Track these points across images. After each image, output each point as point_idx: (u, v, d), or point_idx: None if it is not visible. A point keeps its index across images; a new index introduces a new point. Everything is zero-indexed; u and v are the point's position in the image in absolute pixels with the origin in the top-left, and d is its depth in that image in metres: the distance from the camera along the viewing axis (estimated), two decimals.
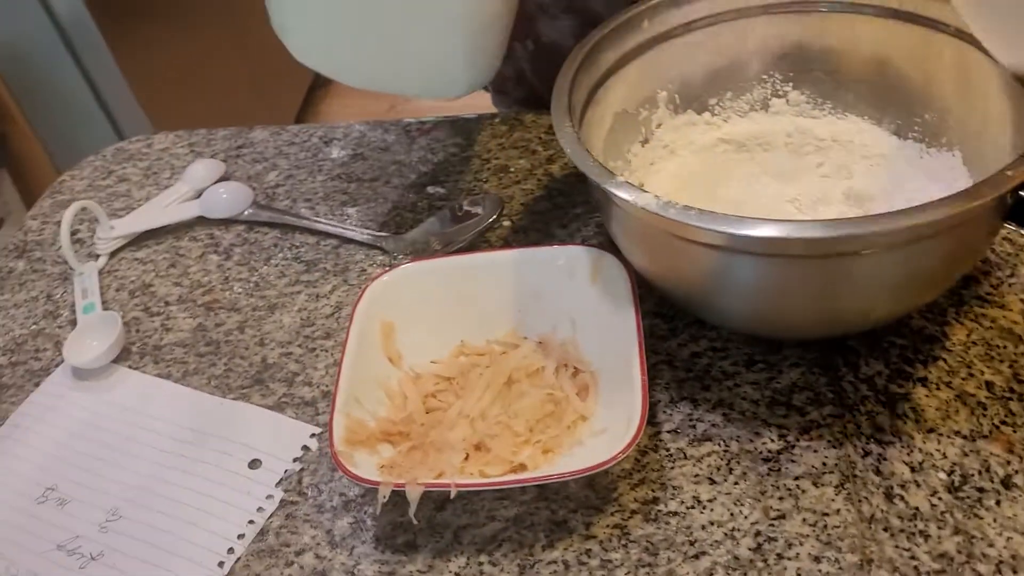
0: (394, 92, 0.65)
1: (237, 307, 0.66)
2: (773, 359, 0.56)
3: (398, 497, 0.49)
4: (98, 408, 0.61)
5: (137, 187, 0.79)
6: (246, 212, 0.73)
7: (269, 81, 2.12)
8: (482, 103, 0.90)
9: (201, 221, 0.74)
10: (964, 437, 0.50)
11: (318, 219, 0.71)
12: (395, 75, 0.63)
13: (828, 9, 0.61)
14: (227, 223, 0.73)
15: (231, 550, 0.51)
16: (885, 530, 0.46)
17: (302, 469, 0.55)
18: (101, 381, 0.62)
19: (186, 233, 0.74)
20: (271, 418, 0.58)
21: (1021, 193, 0.59)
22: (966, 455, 0.49)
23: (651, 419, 0.53)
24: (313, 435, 0.56)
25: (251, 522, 0.52)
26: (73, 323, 0.67)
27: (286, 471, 0.54)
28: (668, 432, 0.53)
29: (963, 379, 0.53)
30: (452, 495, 0.47)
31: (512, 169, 0.74)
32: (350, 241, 0.70)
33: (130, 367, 0.63)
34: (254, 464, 0.55)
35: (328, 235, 0.71)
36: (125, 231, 0.73)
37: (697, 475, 0.50)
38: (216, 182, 0.76)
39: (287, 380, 0.60)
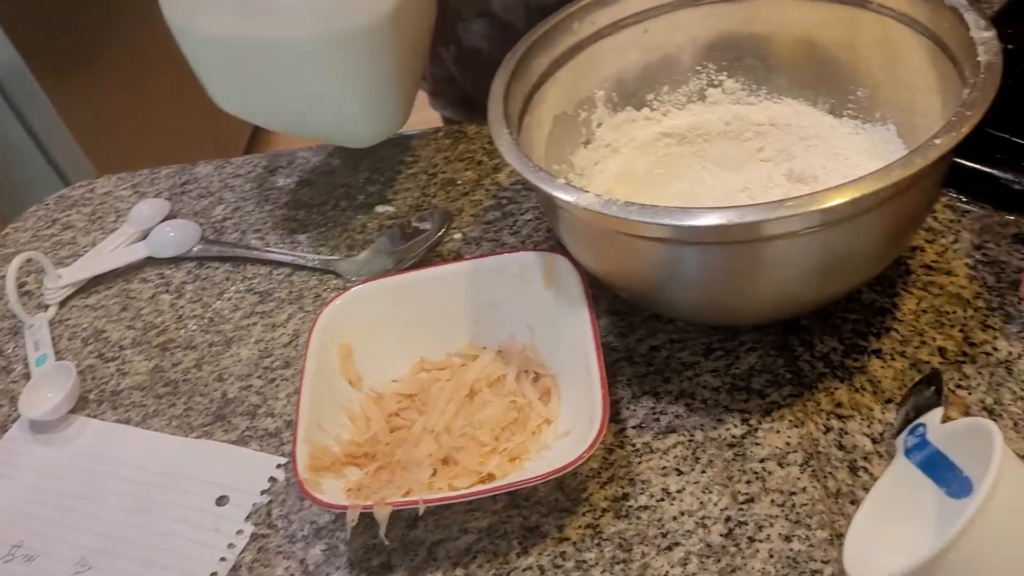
0: (310, 137, 0.72)
1: (193, 345, 0.65)
2: (730, 345, 0.56)
3: (369, 519, 0.48)
4: (59, 460, 0.60)
5: (82, 233, 0.78)
6: (195, 248, 0.72)
7: (214, 115, 2.10)
8: (429, 117, 0.90)
9: (150, 262, 0.73)
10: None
11: (269, 249, 0.71)
12: (308, 127, 0.70)
13: None
14: (176, 261, 0.73)
15: None
16: (852, 503, 0.47)
17: (270, 501, 0.54)
18: (60, 432, 0.61)
19: (135, 275, 0.73)
20: (235, 453, 0.57)
21: (956, 159, 0.60)
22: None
23: (615, 416, 0.54)
24: (279, 466, 0.56)
25: (223, 559, 0.51)
26: (27, 376, 0.66)
27: (254, 504, 0.54)
28: (633, 428, 0.53)
29: (916, 348, 0.53)
30: (421, 512, 0.47)
31: (459, 181, 0.74)
32: (303, 268, 0.69)
33: (88, 415, 0.62)
34: (221, 500, 0.55)
35: (280, 264, 0.70)
36: (73, 279, 0.72)
37: (664, 467, 0.51)
38: (162, 221, 0.75)
39: (249, 413, 0.59)
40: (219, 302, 0.68)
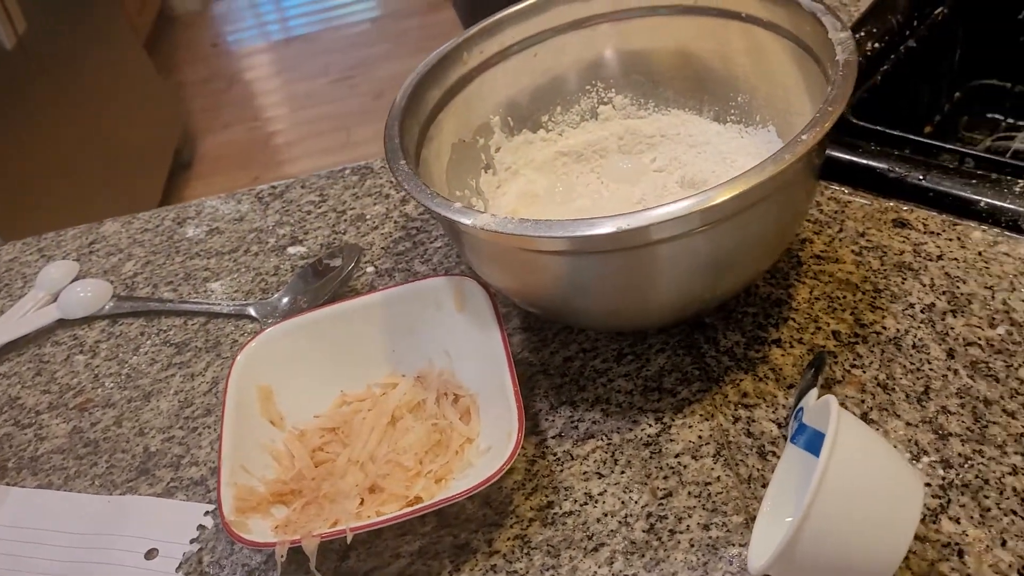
0: None
1: (111, 402, 0.65)
2: (640, 349, 0.58)
3: (300, 555, 0.49)
4: None
5: None
6: (107, 306, 0.72)
7: (123, 172, 2.08)
8: (339, 159, 0.91)
9: (62, 324, 0.73)
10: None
11: (182, 300, 0.71)
12: None
13: (628, 16, 0.64)
14: (89, 321, 0.72)
15: None
16: (763, 487, 0.49)
17: (200, 549, 0.54)
18: None
19: (48, 339, 0.72)
20: (162, 505, 0.57)
21: (835, 153, 0.63)
22: None
23: (535, 428, 0.55)
24: (207, 513, 0.56)
25: None
26: None
27: (184, 554, 0.54)
28: (553, 437, 0.54)
29: (812, 334, 0.56)
30: (349, 540, 0.47)
31: (368, 216, 0.75)
32: (218, 315, 0.69)
33: (7, 484, 0.61)
34: (151, 554, 0.54)
35: (195, 314, 0.70)
36: None
37: (585, 472, 0.52)
38: (71, 282, 0.74)
39: (173, 464, 0.59)
40: (135, 357, 0.68)
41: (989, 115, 0.89)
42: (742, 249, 0.51)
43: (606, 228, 0.46)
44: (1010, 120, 0.88)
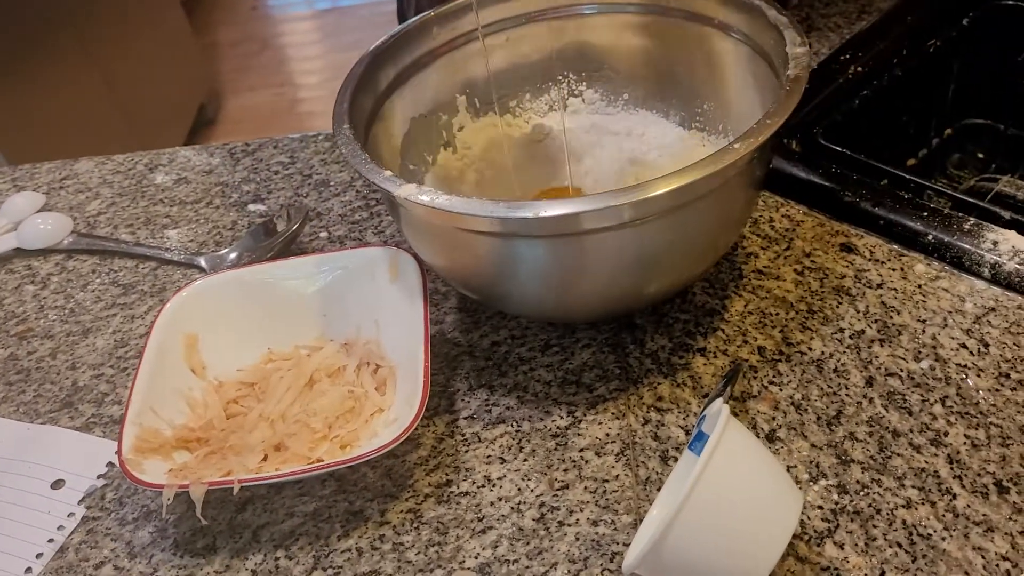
0: None
1: (50, 334, 0.66)
2: (567, 342, 0.58)
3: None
4: None
5: None
6: (65, 241, 0.73)
7: (144, 121, 2.09)
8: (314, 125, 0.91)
9: (19, 253, 0.73)
10: (736, 399, 0.53)
11: (138, 243, 0.72)
12: None
13: (603, 10, 0.64)
14: (46, 253, 0.73)
15: (28, 570, 0.51)
16: (659, 490, 0.49)
17: (105, 485, 0.54)
18: None
19: (3, 266, 0.73)
20: (78, 439, 0.57)
21: (795, 171, 0.63)
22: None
23: (449, 407, 0.55)
24: (118, 452, 0.56)
25: (51, 540, 0.52)
26: None
27: (89, 488, 0.54)
28: (465, 418, 0.54)
29: (738, 346, 0.56)
30: (235, 491, 0.47)
31: (332, 183, 0.75)
32: (168, 262, 0.70)
33: None
34: (57, 484, 0.55)
35: (147, 258, 0.71)
36: None
37: (489, 456, 0.52)
38: (35, 213, 0.75)
39: (97, 401, 0.60)
40: (82, 293, 0.69)
41: (980, 155, 0.88)
42: (671, 250, 0.51)
43: (532, 212, 0.46)
44: (998, 162, 0.87)
